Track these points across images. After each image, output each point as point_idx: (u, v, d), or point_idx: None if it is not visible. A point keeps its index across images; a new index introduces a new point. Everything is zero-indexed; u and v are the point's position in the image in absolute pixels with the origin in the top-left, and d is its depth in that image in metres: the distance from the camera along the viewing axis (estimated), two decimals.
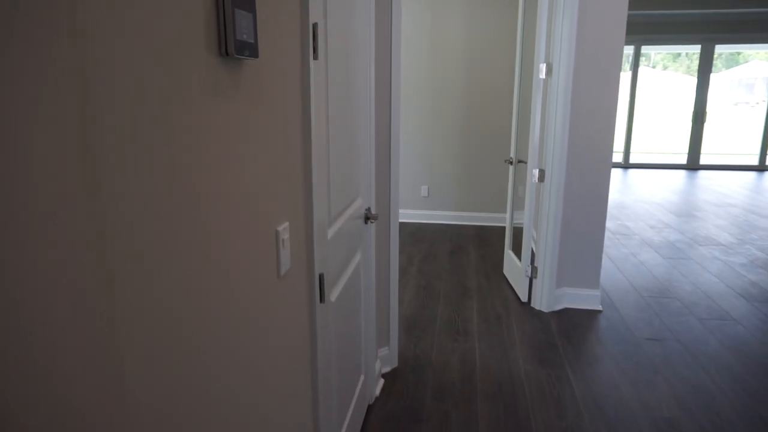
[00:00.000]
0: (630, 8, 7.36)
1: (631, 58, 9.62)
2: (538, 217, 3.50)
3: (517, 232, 3.84)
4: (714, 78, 9.52)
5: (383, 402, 2.39)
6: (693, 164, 9.90)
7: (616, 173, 9.31)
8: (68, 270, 0.51)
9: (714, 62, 9.42)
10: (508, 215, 4.03)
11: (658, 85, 18.03)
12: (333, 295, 1.59)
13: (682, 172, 9.46)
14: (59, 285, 0.50)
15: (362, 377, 2.19)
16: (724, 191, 7.63)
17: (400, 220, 5.74)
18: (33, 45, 0.45)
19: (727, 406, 2.34)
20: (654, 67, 17.57)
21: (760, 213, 6.21)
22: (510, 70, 5.24)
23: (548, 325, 3.16)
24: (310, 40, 1.19)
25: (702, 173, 9.36)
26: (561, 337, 3.00)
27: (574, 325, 3.17)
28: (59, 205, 0.49)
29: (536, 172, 3.31)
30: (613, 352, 2.83)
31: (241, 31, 0.80)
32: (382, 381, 2.56)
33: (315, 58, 1.23)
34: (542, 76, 3.19)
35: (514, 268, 3.75)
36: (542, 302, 3.40)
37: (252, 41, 0.84)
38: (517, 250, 3.74)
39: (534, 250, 3.80)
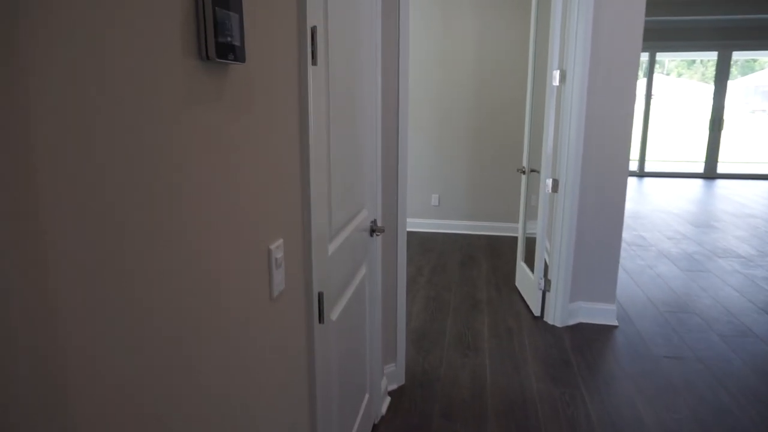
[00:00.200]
0: (645, 14, 7.25)
1: (645, 65, 9.48)
2: (551, 229, 3.39)
3: (530, 243, 3.73)
4: (730, 85, 9.33)
5: (390, 421, 2.30)
6: (710, 173, 9.70)
7: (631, 182, 9.15)
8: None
9: (730, 69, 9.24)
10: (520, 225, 3.93)
11: (673, 92, 17.79)
12: (334, 313, 1.50)
13: (699, 181, 9.27)
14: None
15: (367, 396, 2.09)
16: (743, 201, 7.44)
17: (410, 230, 5.65)
18: None
19: (752, 431, 2.21)
20: (668, 74, 17.36)
21: None
22: (522, 77, 5.14)
23: (562, 341, 3.05)
24: (309, 44, 1.11)
25: (720, 182, 9.17)
26: (575, 354, 2.89)
27: (589, 340, 3.05)
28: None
29: (550, 182, 3.21)
30: (630, 370, 2.71)
31: (224, 33, 0.72)
32: (388, 399, 2.47)
33: (314, 63, 1.16)
34: (556, 83, 3.10)
35: (526, 281, 3.64)
36: (556, 316, 3.28)
37: (238, 44, 0.77)
38: (530, 261, 3.64)
39: (547, 262, 3.69)
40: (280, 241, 1.05)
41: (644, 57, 9.43)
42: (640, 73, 9.49)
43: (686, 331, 3.16)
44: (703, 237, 5.38)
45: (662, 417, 2.30)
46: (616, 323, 3.27)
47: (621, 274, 4.17)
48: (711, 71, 9.38)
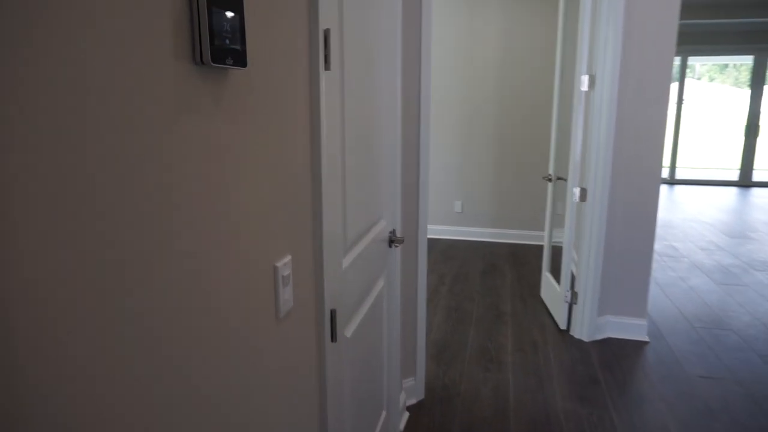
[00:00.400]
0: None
1: (676, 70, 9.21)
2: (578, 239, 3.27)
3: (556, 253, 3.61)
4: (766, 90, 8.99)
5: None
6: (745, 180, 9.35)
7: (661, 189, 8.86)
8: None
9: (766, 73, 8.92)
10: (546, 235, 3.80)
11: (705, 97, 17.31)
12: (349, 329, 1.43)
13: (733, 189, 8.95)
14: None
15: (384, 413, 2.01)
16: None
17: (432, 236, 5.55)
18: None
19: None
20: (699, 78, 16.90)
21: None
22: (549, 81, 5.01)
23: (589, 357, 2.92)
24: (321, 48, 1.05)
25: (755, 190, 8.83)
26: (603, 371, 2.76)
27: (618, 357, 2.92)
28: None
29: (577, 191, 3.09)
30: (663, 390, 2.57)
31: (221, 35, 0.66)
32: (407, 414, 2.38)
33: (327, 68, 1.09)
34: (584, 88, 2.98)
35: (552, 292, 3.51)
36: (583, 330, 3.15)
37: (237, 47, 0.70)
38: (556, 272, 3.51)
39: (574, 273, 3.56)
40: (288, 258, 0.98)
41: (675, 61, 9.16)
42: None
43: (723, 349, 3.00)
44: (738, 248, 5.16)
45: None
46: (646, 339, 3.13)
47: (652, 287, 4.00)
48: (744, 76, 9.08)
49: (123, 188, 0.54)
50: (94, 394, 0.52)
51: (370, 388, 1.75)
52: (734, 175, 9.51)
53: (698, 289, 3.98)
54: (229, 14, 0.68)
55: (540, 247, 5.16)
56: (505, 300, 3.78)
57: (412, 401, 2.49)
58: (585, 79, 2.97)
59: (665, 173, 9.71)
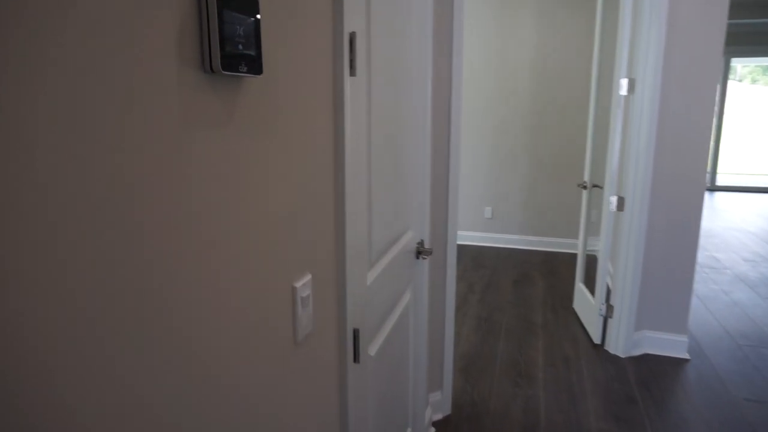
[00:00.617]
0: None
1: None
2: (615, 250, 3.13)
3: (590, 263, 3.47)
4: None
5: None
6: None
7: None
8: None
9: None
10: (580, 244, 3.66)
11: (747, 100, 16.67)
12: (373, 347, 1.36)
13: None
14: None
15: (409, 431, 1.93)
16: None
17: (461, 243, 5.44)
18: None
19: None
20: (741, 80, 16.28)
21: None
22: (585, 85, 4.85)
23: (625, 374, 2.78)
24: (346, 52, 0.98)
25: None
26: (641, 390, 2.62)
27: (656, 375, 2.77)
28: None
29: (615, 199, 2.96)
30: (705, 413, 2.42)
31: (233, 40, 0.60)
32: (432, 430, 2.30)
33: (352, 74, 1.02)
34: (623, 92, 2.85)
35: (585, 304, 3.37)
36: (618, 346, 3.01)
37: (253, 53, 0.64)
38: (590, 283, 3.38)
39: (610, 286, 3.41)
40: (308, 278, 0.92)
41: None
42: None
43: None
44: None
45: None
46: (687, 356, 2.97)
47: (692, 300, 3.82)
48: None
49: (122, 214, 0.48)
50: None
51: (395, 406, 1.67)
52: None
53: (742, 303, 3.77)
54: (243, 17, 0.62)
55: (573, 256, 5.00)
56: (536, 311, 3.66)
57: (438, 417, 2.40)
58: (624, 83, 2.84)
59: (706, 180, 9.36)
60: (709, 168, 9.26)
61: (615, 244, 3.11)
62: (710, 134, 2.77)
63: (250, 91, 0.69)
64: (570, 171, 5.04)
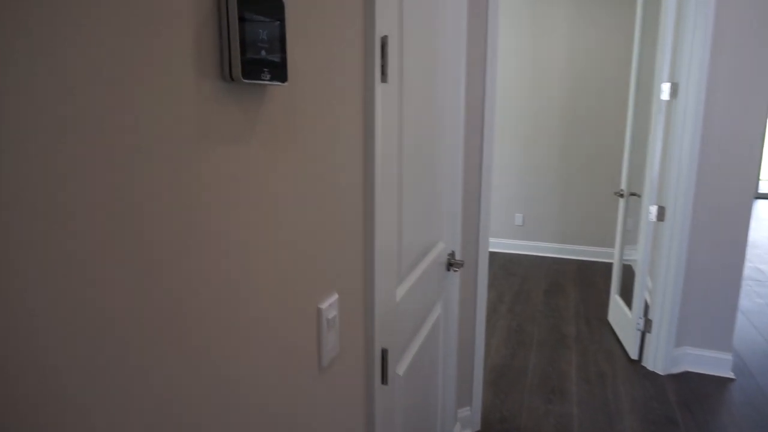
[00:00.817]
0: None
1: None
2: (654, 263, 2.99)
3: (627, 273, 3.33)
4: None
5: None
6: None
7: None
8: None
9: None
10: (616, 254, 3.52)
11: None
12: (401, 367, 1.29)
13: None
14: None
15: None
16: None
17: (490, 250, 5.33)
18: None
19: None
20: None
21: None
22: (621, 88, 4.69)
23: (664, 393, 2.65)
24: (377, 57, 0.92)
25: None
26: (682, 411, 2.48)
27: (699, 395, 2.63)
28: None
29: (654, 209, 2.82)
30: None
31: (255, 46, 0.54)
32: None
33: (383, 80, 0.96)
34: (665, 97, 2.72)
35: (621, 317, 3.24)
36: (657, 362, 2.87)
37: (277, 59, 0.58)
38: (626, 295, 3.24)
39: (648, 299, 3.27)
40: (335, 298, 0.86)
41: None
42: None
43: None
44: None
45: None
46: (732, 376, 2.81)
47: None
48: None
49: (132, 235, 0.43)
50: None
51: (423, 424, 1.60)
52: None
53: None
54: (267, 19, 0.56)
55: (607, 265, 4.84)
56: (569, 322, 3.53)
57: None
58: (666, 87, 2.71)
59: None
60: None
61: (654, 256, 2.97)
62: (762, 141, 2.62)
63: (274, 100, 0.63)
64: (604, 177, 4.88)
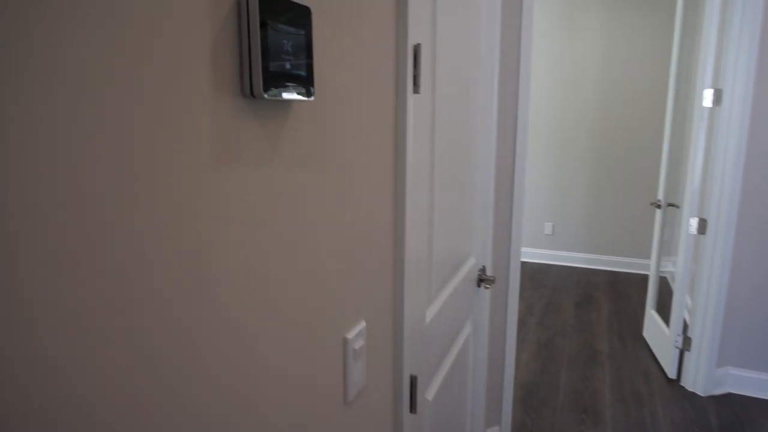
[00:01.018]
0: None
1: None
2: (694, 277, 2.85)
3: (663, 287, 3.19)
4: None
5: None
6: None
7: None
8: None
9: None
10: (652, 267, 3.38)
11: None
12: (430, 392, 1.22)
13: None
14: None
15: None
16: None
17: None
18: None
19: None
20: None
21: None
22: (657, 95, 4.54)
23: (706, 416, 2.51)
24: (410, 67, 0.86)
25: None
26: None
27: (743, 419, 2.48)
28: None
29: (695, 221, 2.69)
30: None
31: (279, 57, 0.49)
32: None
33: (416, 91, 0.90)
34: (708, 104, 2.59)
35: (658, 333, 3.10)
36: (697, 383, 2.73)
37: (302, 72, 0.53)
38: (663, 310, 3.10)
39: (687, 316, 3.13)
40: (362, 326, 0.80)
41: None
42: None
43: None
44: None
45: None
46: None
47: None
48: None
49: (140, 263, 0.38)
50: None
51: None
52: None
53: None
54: (292, 29, 0.50)
55: (641, 277, 4.67)
56: (601, 337, 3.40)
57: None
58: (709, 94, 2.58)
59: None
60: None
61: (694, 270, 2.83)
62: None
63: (300, 117, 0.57)
64: (638, 185, 4.72)
